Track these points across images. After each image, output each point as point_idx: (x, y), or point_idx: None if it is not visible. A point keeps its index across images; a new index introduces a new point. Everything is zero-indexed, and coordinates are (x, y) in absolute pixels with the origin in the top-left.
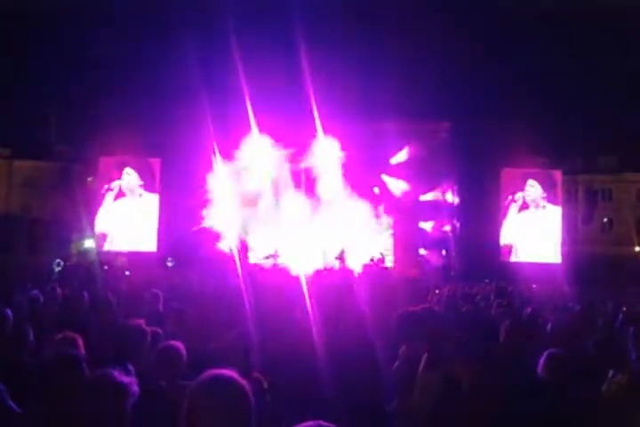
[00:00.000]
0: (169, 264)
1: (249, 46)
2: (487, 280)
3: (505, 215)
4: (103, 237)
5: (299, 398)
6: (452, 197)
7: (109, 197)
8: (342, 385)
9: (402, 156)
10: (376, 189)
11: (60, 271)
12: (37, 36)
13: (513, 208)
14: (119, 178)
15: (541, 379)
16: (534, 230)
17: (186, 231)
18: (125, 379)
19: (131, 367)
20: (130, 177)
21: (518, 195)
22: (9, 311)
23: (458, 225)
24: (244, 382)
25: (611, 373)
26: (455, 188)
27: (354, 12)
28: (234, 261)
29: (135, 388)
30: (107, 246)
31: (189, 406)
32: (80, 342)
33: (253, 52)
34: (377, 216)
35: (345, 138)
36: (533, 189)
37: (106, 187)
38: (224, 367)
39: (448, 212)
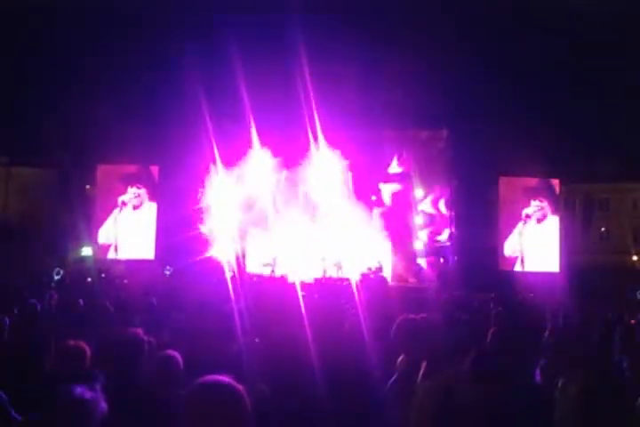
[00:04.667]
0: (167, 273)
1: (248, 55)
2: (485, 289)
3: (510, 231)
4: (105, 249)
5: (297, 410)
6: (449, 205)
7: (116, 212)
8: (339, 397)
9: (399, 164)
10: (373, 198)
11: (58, 280)
12: (35, 42)
13: (521, 224)
14: (121, 190)
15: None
16: (534, 241)
17: (184, 240)
18: (88, 394)
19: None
20: (136, 191)
21: (530, 209)
22: (6, 319)
23: (456, 233)
24: (240, 387)
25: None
26: (453, 195)
27: (352, 20)
28: (230, 270)
29: (102, 405)
30: (108, 256)
31: (186, 410)
32: (87, 351)
33: (252, 60)
34: (374, 225)
35: (343, 146)
36: (543, 205)
37: (120, 202)
38: (221, 374)
39: (446, 220)
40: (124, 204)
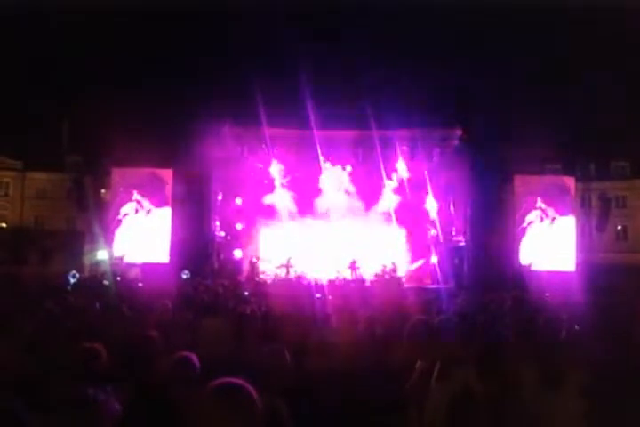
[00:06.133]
0: (184, 276)
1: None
2: (500, 289)
3: (524, 231)
4: (121, 258)
5: (309, 408)
6: (464, 204)
7: (126, 221)
8: (351, 397)
9: (414, 163)
10: (388, 198)
11: (75, 283)
12: (46, 48)
13: (530, 230)
14: (132, 194)
15: None
16: (549, 239)
17: (199, 243)
18: (101, 396)
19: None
20: (141, 198)
21: (533, 215)
22: (27, 323)
23: (470, 233)
24: (252, 389)
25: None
26: (467, 194)
27: (365, 19)
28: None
29: (115, 406)
30: (124, 261)
31: (200, 411)
32: (103, 353)
33: (265, 61)
34: (389, 225)
35: (356, 146)
36: (547, 208)
37: (123, 213)
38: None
39: (461, 219)
40: (126, 215)
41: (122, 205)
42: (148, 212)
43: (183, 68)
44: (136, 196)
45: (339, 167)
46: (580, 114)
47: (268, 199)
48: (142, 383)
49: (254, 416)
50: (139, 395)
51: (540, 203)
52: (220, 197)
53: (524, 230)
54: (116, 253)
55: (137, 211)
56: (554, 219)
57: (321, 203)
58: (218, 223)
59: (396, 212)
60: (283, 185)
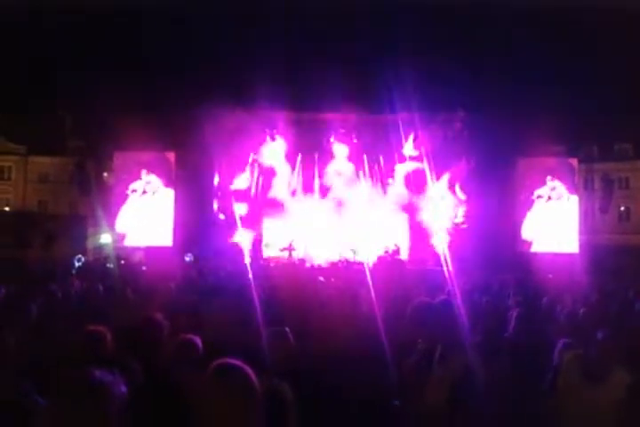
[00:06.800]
0: (187, 259)
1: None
2: (503, 271)
3: (527, 210)
4: (123, 236)
5: (311, 390)
6: (467, 187)
7: (132, 198)
8: (353, 379)
9: (416, 146)
10: (390, 180)
11: (79, 267)
12: (50, 33)
13: (537, 204)
14: (138, 176)
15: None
16: (552, 220)
17: (201, 226)
18: (107, 378)
19: (136, 365)
20: (149, 177)
21: (542, 190)
22: (33, 306)
23: (473, 215)
24: (249, 369)
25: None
26: (470, 177)
27: (368, 6)
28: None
29: (122, 388)
30: (125, 243)
31: (200, 392)
32: (108, 335)
33: (265, 44)
34: (391, 207)
35: (359, 129)
36: (556, 185)
37: (131, 188)
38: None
39: (462, 202)
40: (134, 191)
41: (130, 182)
42: (155, 192)
43: (184, 53)
44: (145, 174)
45: (340, 151)
46: (585, 96)
47: (269, 182)
48: (148, 366)
49: (252, 397)
50: (144, 377)
51: (551, 181)
52: (220, 180)
53: (528, 207)
54: (119, 230)
55: (145, 191)
56: (554, 198)
57: (323, 186)
58: (218, 206)
59: (398, 195)
60: (284, 168)
